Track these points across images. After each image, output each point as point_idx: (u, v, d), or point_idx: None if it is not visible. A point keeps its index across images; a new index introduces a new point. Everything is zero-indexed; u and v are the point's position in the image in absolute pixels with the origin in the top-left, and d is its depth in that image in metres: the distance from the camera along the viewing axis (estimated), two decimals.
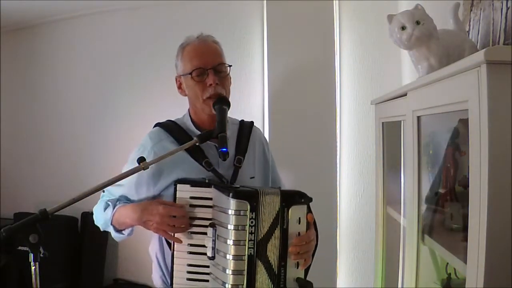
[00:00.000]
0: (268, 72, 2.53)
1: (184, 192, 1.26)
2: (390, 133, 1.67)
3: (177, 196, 1.26)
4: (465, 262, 0.82)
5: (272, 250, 1.19)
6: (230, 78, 1.43)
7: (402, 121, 1.44)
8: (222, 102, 1.30)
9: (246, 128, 1.50)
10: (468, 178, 0.82)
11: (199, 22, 2.80)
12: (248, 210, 1.15)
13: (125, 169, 1.28)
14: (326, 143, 2.48)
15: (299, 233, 1.22)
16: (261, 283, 1.16)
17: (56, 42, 3.30)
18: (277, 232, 1.19)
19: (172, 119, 1.45)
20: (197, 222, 1.25)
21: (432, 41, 1.09)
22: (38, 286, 0.93)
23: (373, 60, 2.49)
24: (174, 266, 1.26)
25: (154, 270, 1.40)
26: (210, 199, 1.25)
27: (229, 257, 1.15)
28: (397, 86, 1.57)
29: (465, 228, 0.84)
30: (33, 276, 0.92)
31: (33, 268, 0.92)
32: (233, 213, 1.15)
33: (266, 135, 2.44)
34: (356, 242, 2.53)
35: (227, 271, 1.15)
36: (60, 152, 3.28)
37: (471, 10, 1.27)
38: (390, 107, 1.53)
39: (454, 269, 1.06)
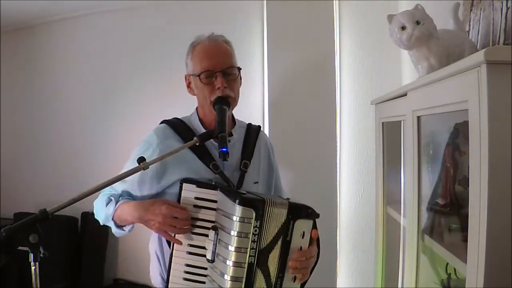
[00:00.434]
0: (268, 72, 2.53)
1: (190, 192, 1.25)
2: (390, 133, 1.67)
3: (182, 195, 1.25)
4: (465, 262, 0.82)
5: (273, 261, 1.19)
6: (241, 79, 1.42)
7: (402, 121, 1.44)
8: (222, 102, 1.29)
9: (253, 132, 1.49)
10: (468, 178, 0.82)
11: (199, 22, 2.80)
12: (253, 218, 1.14)
13: (128, 165, 1.28)
14: (326, 143, 2.48)
15: (301, 247, 1.21)
16: None
17: (56, 42, 3.30)
18: (279, 243, 1.19)
19: (179, 117, 1.44)
20: (199, 223, 1.24)
21: (432, 41, 1.09)
22: (38, 286, 0.93)
23: (373, 60, 2.49)
24: (172, 265, 1.25)
25: (153, 267, 1.39)
26: (215, 201, 1.24)
27: (229, 263, 1.14)
28: (397, 86, 1.57)
29: (465, 228, 0.84)
30: (33, 276, 0.92)
31: (33, 268, 0.92)
32: (237, 219, 1.13)
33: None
34: (356, 242, 2.53)
35: (226, 277, 1.14)
36: (60, 152, 3.27)
37: (471, 10, 1.27)
38: (390, 107, 1.53)
39: (454, 269, 1.06)
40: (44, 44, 3.34)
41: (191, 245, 1.24)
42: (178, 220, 1.20)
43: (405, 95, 1.26)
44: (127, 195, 1.37)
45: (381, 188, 1.72)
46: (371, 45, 2.48)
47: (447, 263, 1.11)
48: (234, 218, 1.14)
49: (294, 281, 1.22)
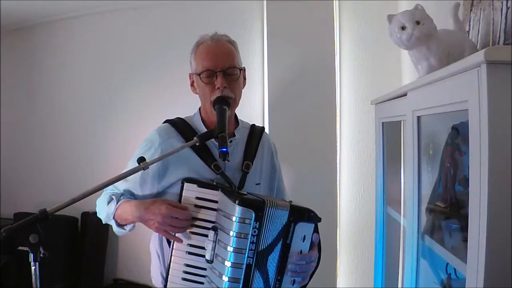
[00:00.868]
0: (268, 72, 2.53)
1: (191, 191, 1.25)
2: (390, 133, 1.67)
3: (183, 194, 1.25)
4: (465, 262, 0.82)
5: (272, 263, 1.18)
6: (244, 80, 1.41)
7: (402, 121, 1.44)
8: (222, 102, 1.29)
9: (256, 133, 1.48)
10: (468, 178, 0.82)
11: (199, 22, 2.80)
12: (253, 219, 1.13)
13: (131, 164, 1.28)
14: (326, 143, 2.48)
15: (301, 251, 1.21)
16: None
17: (56, 42, 3.30)
18: (279, 246, 1.18)
19: (182, 117, 1.43)
20: (199, 223, 1.24)
21: (432, 41, 1.09)
22: (38, 286, 0.93)
23: (373, 60, 2.50)
24: (171, 264, 1.25)
25: (154, 267, 1.40)
26: (216, 202, 1.24)
27: (227, 263, 1.14)
28: (397, 86, 1.57)
29: (465, 228, 0.84)
30: (33, 276, 0.92)
31: (33, 268, 0.92)
32: (237, 220, 1.13)
33: None
34: (356, 242, 2.53)
35: (223, 277, 1.14)
36: (60, 152, 3.28)
37: (471, 10, 1.27)
38: (390, 107, 1.53)
39: (454, 269, 1.06)
40: (44, 44, 3.34)
41: (190, 245, 1.24)
42: (178, 220, 1.20)
43: (405, 95, 1.26)
44: (129, 194, 1.37)
45: (381, 188, 1.72)
46: (371, 45, 2.49)
47: (447, 263, 1.11)
48: (234, 218, 1.14)
49: (293, 285, 1.22)
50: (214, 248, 1.19)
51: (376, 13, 2.45)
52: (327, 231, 2.40)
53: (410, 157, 1.22)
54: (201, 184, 1.25)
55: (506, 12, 1.04)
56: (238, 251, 1.14)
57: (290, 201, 1.27)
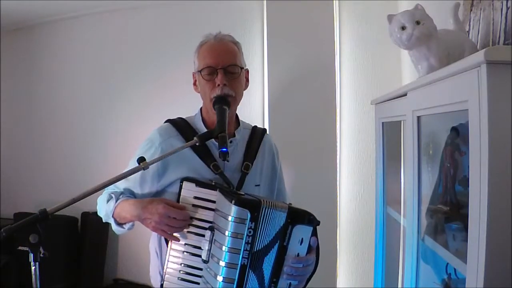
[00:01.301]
0: (268, 72, 2.53)
1: (189, 191, 1.25)
2: (390, 133, 1.67)
3: (181, 194, 1.25)
4: (465, 262, 0.82)
5: (268, 265, 1.18)
6: (246, 81, 1.42)
7: (402, 121, 1.44)
8: (221, 102, 1.29)
9: (257, 134, 1.48)
10: (468, 178, 0.82)
11: (199, 22, 2.80)
12: (248, 219, 1.13)
13: (131, 163, 1.28)
14: (326, 143, 2.48)
15: (298, 254, 1.20)
16: None
17: (56, 42, 3.30)
18: (276, 247, 1.18)
19: (183, 117, 1.44)
20: (197, 223, 1.23)
21: (432, 41, 1.09)
22: (38, 286, 0.93)
23: (373, 60, 2.50)
24: (168, 263, 1.25)
25: (153, 266, 1.40)
26: (214, 202, 1.24)
27: (222, 263, 1.14)
28: (397, 86, 1.57)
29: (465, 228, 0.84)
30: (33, 276, 0.92)
31: (33, 268, 0.92)
32: (232, 220, 1.13)
33: None
34: (356, 242, 2.53)
35: (218, 277, 1.14)
36: (60, 152, 3.28)
37: (471, 10, 1.27)
38: (390, 107, 1.53)
39: (454, 269, 1.06)
40: (44, 44, 3.34)
41: (187, 245, 1.24)
42: (175, 220, 1.20)
43: (405, 95, 1.26)
44: (129, 193, 1.37)
45: (381, 188, 1.72)
46: (371, 45, 2.49)
47: (447, 263, 1.11)
48: (229, 218, 1.13)
49: None
50: (210, 248, 1.19)
51: (376, 13, 2.44)
52: (327, 231, 2.40)
53: (410, 157, 1.22)
54: (200, 183, 1.25)
55: (506, 12, 1.04)
56: (233, 251, 1.13)
57: (290, 203, 1.26)
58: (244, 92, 1.42)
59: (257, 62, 2.69)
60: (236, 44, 1.39)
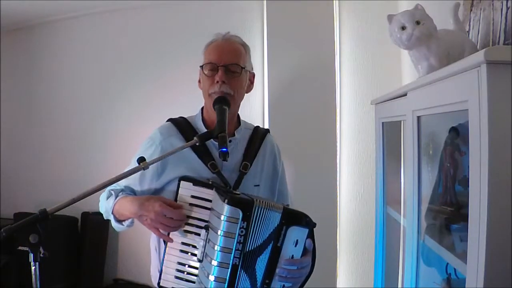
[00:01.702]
0: (268, 72, 2.53)
1: (186, 189, 1.25)
2: (390, 133, 1.67)
3: (179, 192, 1.25)
4: (465, 262, 0.82)
5: (261, 265, 1.17)
6: (250, 84, 1.43)
7: (402, 121, 1.44)
8: (221, 102, 1.29)
9: (259, 135, 1.48)
10: (468, 178, 0.82)
11: (199, 22, 2.80)
12: (240, 218, 1.13)
13: (133, 160, 1.28)
14: (326, 143, 2.48)
15: (292, 256, 1.20)
16: None
17: (56, 42, 3.30)
18: (269, 248, 1.18)
19: (185, 116, 1.45)
20: (193, 222, 1.23)
21: (432, 41, 1.09)
22: (38, 286, 0.93)
23: (373, 60, 2.50)
24: (165, 262, 1.25)
25: (153, 264, 1.40)
26: (210, 201, 1.24)
27: (214, 263, 1.13)
28: (397, 86, 1.57)
29: (465, 228, 0.84)
30: (33, 276, 0.92)
31: (33, 268, 0.92)
32: (225, 219, 1.13)
33: None
34: (356, 242, 2.53)
35: (210, 277, 1.14)
36: (60, 152, 3.28)
37: (471, 10, 1.27)
38: (390, 107, 1.53)
39: (454, 269, 1.06)
40: (44, 44, 3.34)
41: (184, 244, 1.24)
42: (170, 220, 1.20)
43: (405, 95, 1.26)
44: (129, 190, 1.38)
45: (381, 188, 1.71)
46: (371, 45, 2.48)
47: (447, 263, 1.11)
48: (222, 217, 1.13)
49: None
50: (204, 247, 1.19)
51: (376, 13, 2.44)
52: (327, 231, 2.41)
53: (410, 157, 1.22)
54: (197, 182, 1.25)
55: (506, 12, 1.04)
56: (224, 250, 1.13)
57: (287, 204, 1.26)
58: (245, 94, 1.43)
59: (257, 62, 2.69)
60: (243, 46, 1.41)
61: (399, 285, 1.66)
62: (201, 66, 1.36)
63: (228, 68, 1.33)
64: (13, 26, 3.35)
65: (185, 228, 1.23)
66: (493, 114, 0.71)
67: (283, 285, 1.20)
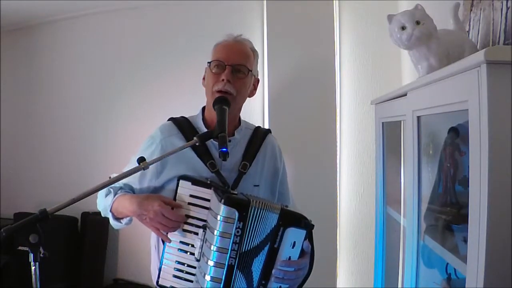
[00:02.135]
0: (268, 72, 2.53)
1: (185, 188, 1.25)
2: (390, 133, 1.67)
3: (178, 191, 1.26)
4: (465, 262, 0.82)
5: (257, 266, 1.17)
6: (254, 89, 1.44)
7: (402, 121, 1.44)
8: (222, 102, 1.29)
9: (260, 135, 1.48)
10: (468, 178, 0.82)
11: (199, 22, 2.80)
12: (236, 218, 1.13)
13: (134, 159, 1.28)
14: (326, 143, 2.48)
15: (289, 257, 1.19)
16: None
17: (56, 42, 3.30)
18: (266, 249, 1.17)
19: (186, 116, 1.46)
20: (192, 221, 1.24)
21: (432, 41, 1.09)
22: (38, 286, 0.93)
23: (373, 60, 2.50)
24: (163, 260, 1.26)
25: (153, 263, 1.40)
26: (208, 200, 1.24)
27: (210, 263, 1.14)
28: (397, 86, 1.57)
29: (465, 228, 0.84)
30: (33, 276, 0.92)
31: (33, 268, 0.92)
32: (221, 219, 1.13)
33: None
34: (356, 242, 2.53)
35: (206, 277, 1.14)
36: (60, 152, 3.28)
37: (471, 10, 1.27)
38: (390, 107, 1.53)
39: (454, 269, 1.06)
40: (44, 44, 3.34)
41: (183, 243, 1.24)
42: (168, 220, 1.20)
43: (405, 95, 1.26)
44: (128, 188, 1.39)
45: (381, 188, 1.71)
46: (371, 45, 2.49)
47: (447, 263, 1.11)
48: (219, 217, 1.13)
49: None
50: (202, 247, 1.19)
51: (376, 13, 2.45)
52: (327, 230, 2.41)
53: (410, 157, 1.22)
54: (195, 182, 1.26)
55: (506, 12, 1.04)
56: (220, 250, 1.13)
57: (285, 205, 1.26)
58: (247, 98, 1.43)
59: None
60: (253, 50, 1.42)
61: (399, 285, 1.65)
62: (209, 63, 1.37)
63: (235, 68, 1.34)
64: (13, 26, 3.35)
65: (183, 227, 1.24)
66: (493, 114, 0.71)
67: (280, 287, 1.20)
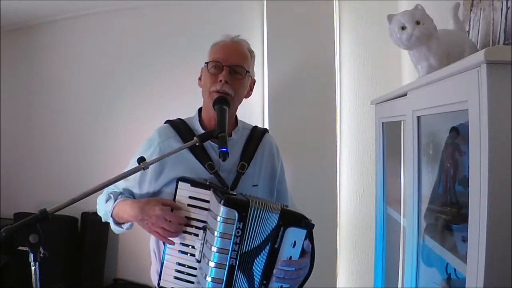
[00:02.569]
0: (268, 72, 2.53)
1: (184, 190, 1.25)
2: (390, 133, 1.67)
3: (177, 193, 1.26)
4: (465, 262, 0.82)
5: (258, 266, 1.18)
6: (250, 90, 1.45)
7: (402, 121, 1.44)
8: (222, 102, 1.29)
9: (257, 134, 1.48)
10: (468, 178, 0.82)
11: (199, 22, 2.80)
12: (236, 219, 1.13)
13: (132, 162, 1.28)
14: (326, 143, 2.48)
15: (290, 257, 1.20)
16: None
17: (56, 42, 3.30)
18: (267, 249, 1.18)
19: (183, 118, 1.46)
20: (192, 222, 1.24)
21: (432, 41, 1.09)
22: (38, 286, 0.93)
23: (373, 60, 2.50)
24: (164, 262, 1.26)
25: (153, 265, 1.41)
26: (208, 201, 1.24)
27: (211, 264, 1.14)
28: (397, 86, 1.57)
29: (465, 228, 0.84)
30: (33, 276, 0.92)
31: (33, 268, 0.92)
32: (221, 220, 1.13)
33: None
34: (356, 242, 2.53)
35: (207, 278, 1.14)
36: (60, 152, 3.28)
37: (471, 10, 1.27)
38: (390, 107, 1.53)
39: (454, 269, 1.06)
40: (44, 44, 3.34)
41: (183, 244, 1.24)
42: (170, 223, 1.20)
43: (405, 95, 1.26)
44: (128, 193, 1.38)
45: (381, 188, 1.71)
46: (371, 45, 2.48)
47: (447, 263, 1.11)
48: (218, 218, 1.13)
49: None
50: (202, 248, 1.19)
51: (376, 13, 2.45)
52: (327, 230, 2.41)
53: (410, 157, 1.22)
54: (194, 183, 1.26)
55: (506, 12, 1.04)
56: (221, 251, 1.14)
57: (285, 205, 1.26)
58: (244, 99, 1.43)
59: (257, 62, 2.64)
60: (250, 51, 1.43)
61: (399, 285, 1.65)
62: (206, 63, 1.36)
63: (233, 68, 1.34)
64: (13, 26, 3.35)
65: (184, 229, 1.24)
66: (493, 114, 0.71)
67: (281, 286, 1.20)
